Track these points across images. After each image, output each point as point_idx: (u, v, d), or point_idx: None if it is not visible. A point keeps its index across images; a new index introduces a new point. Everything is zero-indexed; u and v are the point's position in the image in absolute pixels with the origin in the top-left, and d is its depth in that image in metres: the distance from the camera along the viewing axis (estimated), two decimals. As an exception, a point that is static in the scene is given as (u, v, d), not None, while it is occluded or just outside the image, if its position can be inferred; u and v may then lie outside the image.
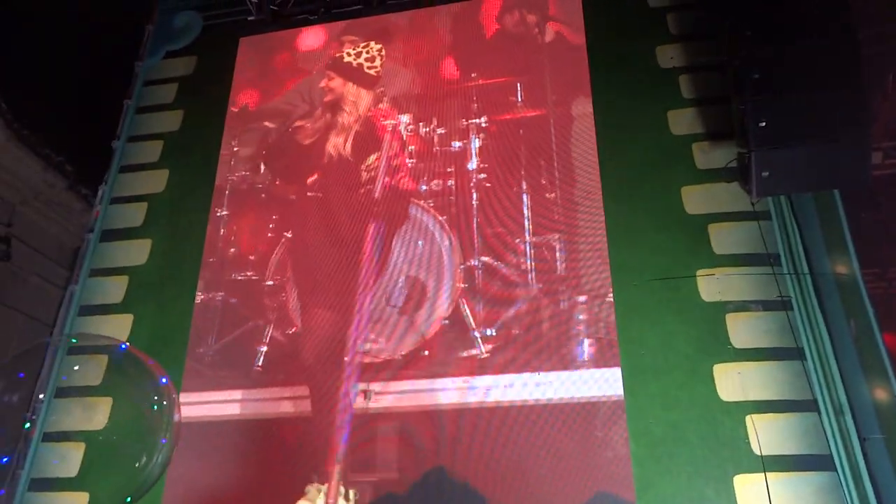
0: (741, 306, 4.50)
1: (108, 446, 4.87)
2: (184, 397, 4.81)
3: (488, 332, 4.72)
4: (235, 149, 5.88)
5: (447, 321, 4.82)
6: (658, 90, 5.37)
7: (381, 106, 5.78)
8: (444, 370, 4.65)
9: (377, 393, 4.65)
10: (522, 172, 5.23)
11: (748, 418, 4.14)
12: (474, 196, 5.21)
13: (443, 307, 4.88)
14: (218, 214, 5.62)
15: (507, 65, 5.68)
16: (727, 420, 4.16)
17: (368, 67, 5.93)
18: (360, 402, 4.65)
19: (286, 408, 4.76)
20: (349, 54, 6.03)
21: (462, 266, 4.98)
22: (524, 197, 5.13)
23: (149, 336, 5.26)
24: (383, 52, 6.00)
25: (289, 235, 5.38)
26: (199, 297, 5.31)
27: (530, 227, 5.01)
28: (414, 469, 4.38)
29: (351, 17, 6.37)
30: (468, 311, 4.81)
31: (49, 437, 5.02)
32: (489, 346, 4.67)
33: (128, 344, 4.05)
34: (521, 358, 4.58)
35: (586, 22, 5.72)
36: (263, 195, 5.64)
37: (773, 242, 4.64)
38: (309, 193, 5.55)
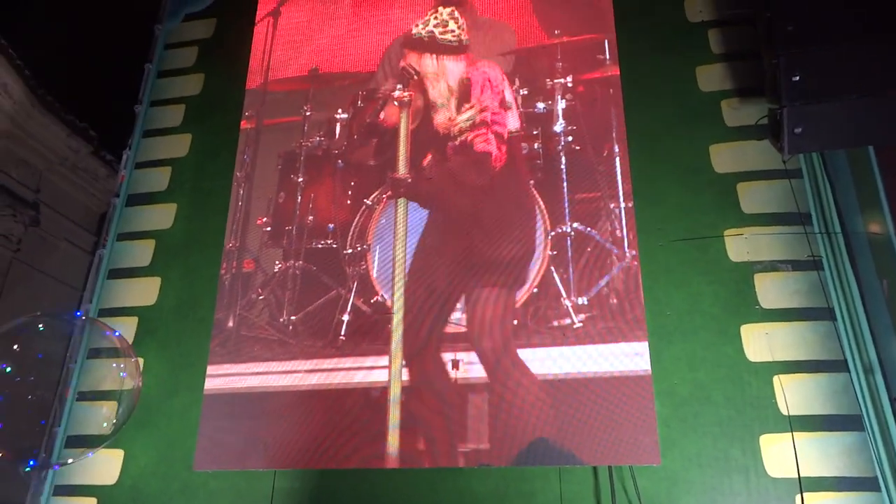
0: (770, 266, 4.43)
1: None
2: (269, 366, 4.82)
3: (580, 301, 4.55)
4: (308, 113, 5.63)
5: (536, 290, 4.63)
6: (686, 45, 5.22)
7: (460, 69, 5.46)
8: (534, 340, 4.50)
9: (466, 363, 4.52)
10: (614, 134, 4.95)
11: (775, 378, 4.10)
12: (563, 160, 4.96)
13: (532, 275, 4.68)
14: (296, 180, 5.43)
15: (591, 21, 5.37)
16: (754, 380, 4.13)
17: (442, 34, 5.54)
18: (448, 373, 4.53)
19: (371, 377, 4.63)
20: (417, 26, 5.64)
21: (552, 233, 4.77)
22: (616, 161, 4.88)
23: (177, 298, 5.34)
24: (456, 15, 5.57)
25: (368, 203, 5.18)
26: (278, 265, 5.20)
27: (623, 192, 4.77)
28: (505, 440, 4.26)
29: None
30: (558, 279, 4.62)
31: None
32: (582, 316, 4.50)
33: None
34: (617, 328, 4.41)
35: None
36: (340, 161, 5.42)
37: (804, 201, 4.54)
38: (377, 161, 5.32)
